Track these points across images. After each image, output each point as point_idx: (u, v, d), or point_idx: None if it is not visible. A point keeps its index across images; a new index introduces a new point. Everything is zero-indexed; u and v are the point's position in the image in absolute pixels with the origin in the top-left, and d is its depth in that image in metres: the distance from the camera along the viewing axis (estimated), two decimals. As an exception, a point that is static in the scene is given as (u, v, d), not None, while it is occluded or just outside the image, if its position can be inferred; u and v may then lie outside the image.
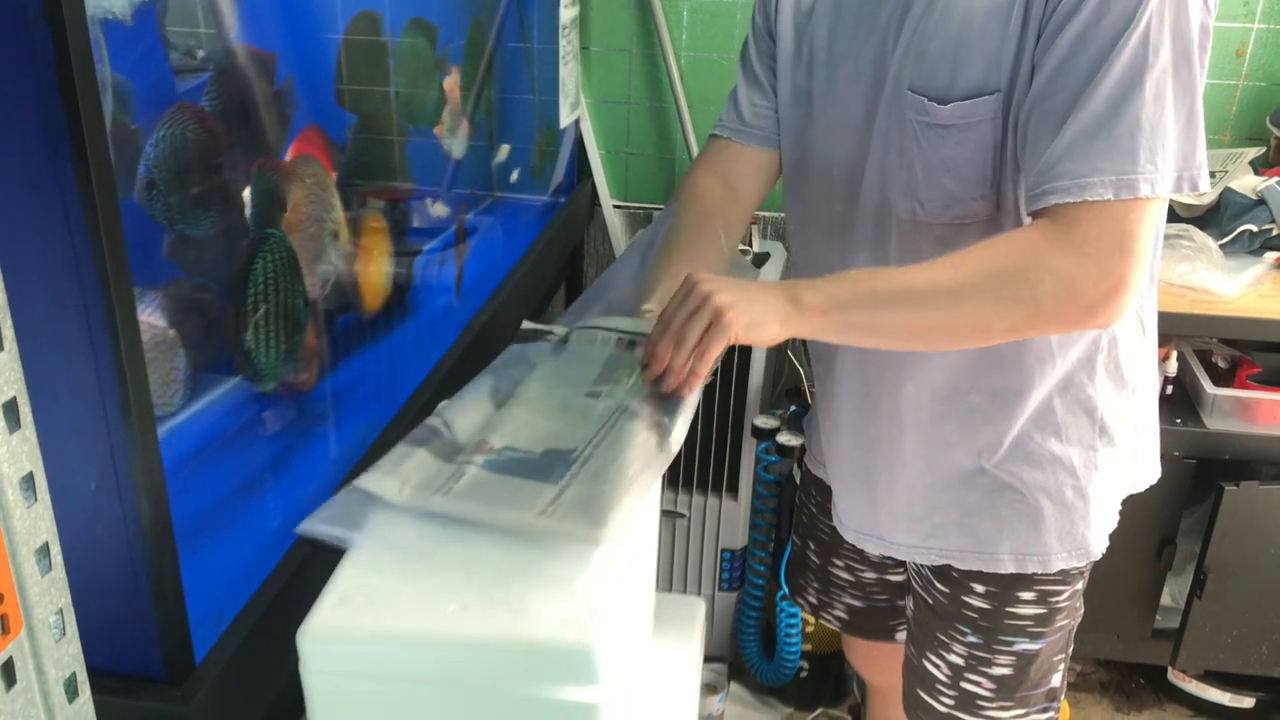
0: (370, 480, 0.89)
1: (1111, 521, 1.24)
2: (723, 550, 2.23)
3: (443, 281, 1.81)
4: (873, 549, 1.33)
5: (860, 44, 1.12)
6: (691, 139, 2.39)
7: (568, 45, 2.26)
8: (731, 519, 2.19)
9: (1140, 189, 0.92)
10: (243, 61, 1.09)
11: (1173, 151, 0.93)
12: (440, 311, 1.78)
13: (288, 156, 1.25)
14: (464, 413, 1.00)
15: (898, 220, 1.11)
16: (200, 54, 1.06)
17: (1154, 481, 1.28)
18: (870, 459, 1.28)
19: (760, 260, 2.24)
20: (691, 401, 1.00)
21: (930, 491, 1.24)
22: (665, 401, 0.99)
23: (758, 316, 0.96)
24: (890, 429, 1.24)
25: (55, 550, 0.64)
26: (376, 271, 1.63)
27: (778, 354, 2.43)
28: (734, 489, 2.17)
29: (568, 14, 2.23)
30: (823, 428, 1.36)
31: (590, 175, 2.50)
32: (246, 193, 1.13)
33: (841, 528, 1.36)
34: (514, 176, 2.20)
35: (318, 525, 0.85)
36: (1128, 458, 1.23)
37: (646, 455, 0.92)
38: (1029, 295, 0.94)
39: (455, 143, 1.83)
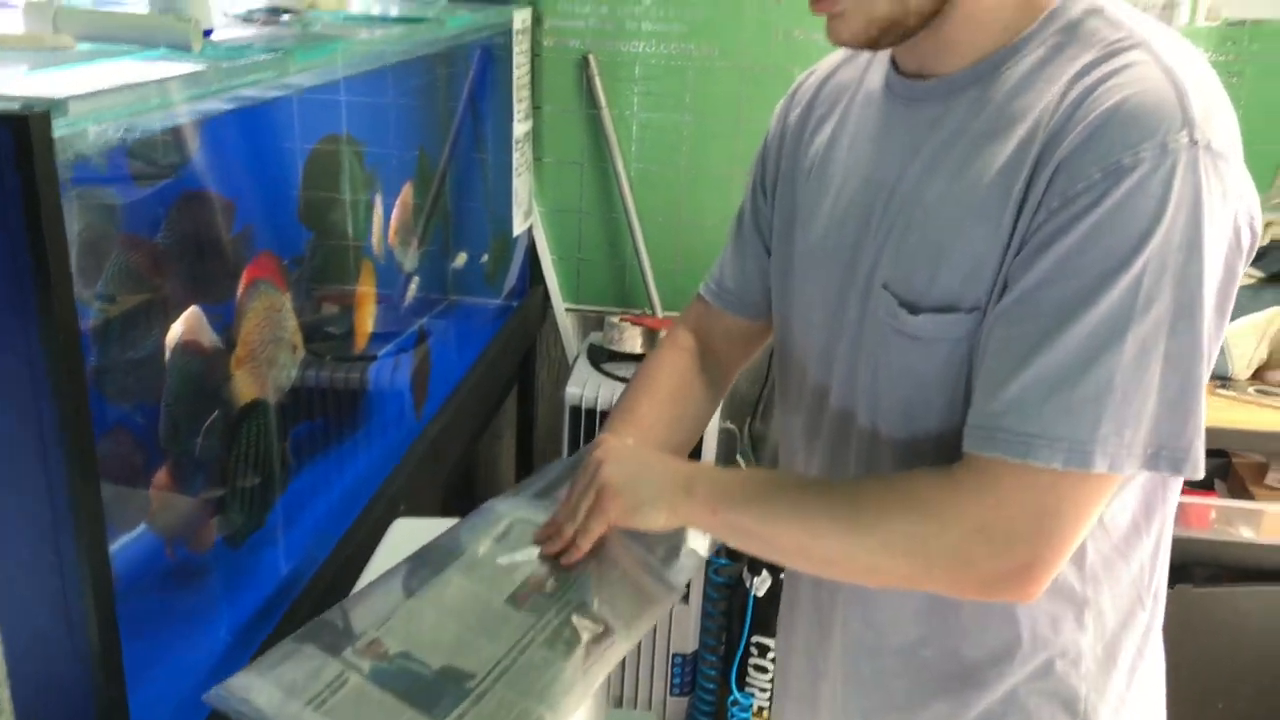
0: (240, 683, 0.80)
1: None
2: (674, 655, 2.23)
3: (396, 389, 1.84)
4: None
5: (844, 216, 0.97)
6: (641, 246, 2.45)
7: (521, 157, 2.33)
8: (682, 623, 2.20)
9: (1095, 463, 0.77)
10: (200, 207, 1.12)
11: (1149, 425, 0.77)
12: (394, 419, 1.80)
13: (241, 284, 1.28)
14: (368, 599, 0.92)
15: (859, 429, 0.96)
16: (159, 199, 1.10)
17: None
18: (815, 698, 1.12)
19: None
20: (648, 614, 0.94)
21: None
22: (590, 617, 0.90)
23: (643, 500, 0.91)
24: (839, 669, 1.06)
25: (4, 695, 0.65)
26: (333, 381, 1.66)
27: (727, 458, 2.47)
28: (684, 596, 2.18)
29: (521, 128, 2.30)
30: (780, 634, 1.21)
31: (543, 280, 2.55)
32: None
33: None
34: (469, 283, 2.24)
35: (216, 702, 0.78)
36: None
37: (551, 696, 0.82)
38: (921, 553, 0.82)
39: (407, 253, 1.87)
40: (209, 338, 1.17)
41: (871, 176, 0.95)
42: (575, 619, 0.90)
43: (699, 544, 1.02)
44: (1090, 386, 0.76)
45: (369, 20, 1.69)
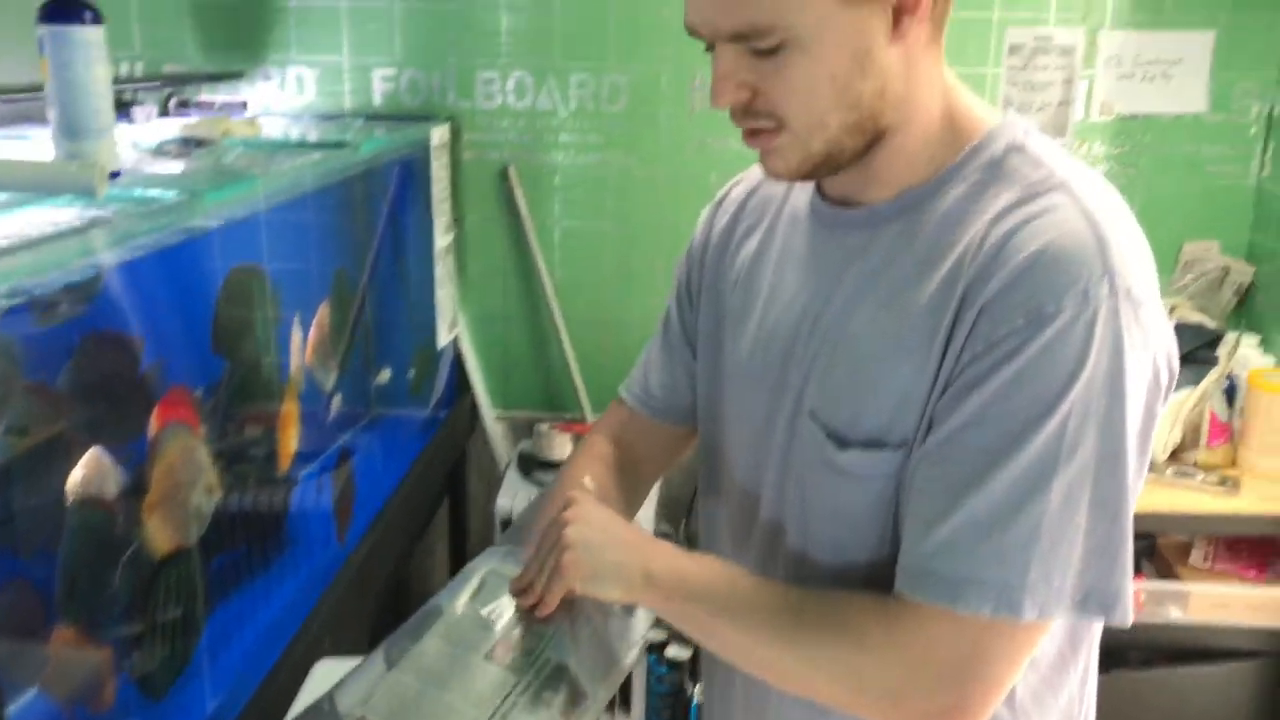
0: None
1: None
2: (618, 767, 2.18)
3: (319, 513, 1.80)
4: None
5: (770, 338, 0.96)
6: (569, 350, 2.46)
7: (444, 269, 2.33)
8: (625, 734, 2.16)
9: (1024, 610, 0.77)
10: (106, 347, 1.11)
11: (1077, 570, 0.77)
12: (318, 545, 1.76)
13: (153, 426, 1.25)
14: (354, 679, 0.91)
15: (788, 549, 0.95)
16: (63, 341, 1.08)
17: None
18: None
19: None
20: (615, 672, 0.93)
21: None
22: (567, 681, 0.90)
23: (602, 573, 0.89)
24: None
25: None
26: (253, 510, 1.62)
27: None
28: (626, 703, 2.14)
29: (443, 240, 2.31)
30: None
31: (470, 388, 2.54)
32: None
33: None
34: (394, 397, 2.22)
35: None
36: None
37: None
38: (854, 682, 0.82)
39: (327, 373, 1.85)
40: (114, 482, 1.14)
41: (796, 299, 0.95)
42: (553, 682, 0.90)
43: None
44: (1018, 532, 0.76)
45: (284, 146, 1.70)
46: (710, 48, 0.85)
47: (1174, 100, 2.29)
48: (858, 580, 0.89)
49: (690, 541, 2.50)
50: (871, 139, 0.85)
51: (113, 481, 1.14)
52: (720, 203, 1.11)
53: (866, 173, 0.88)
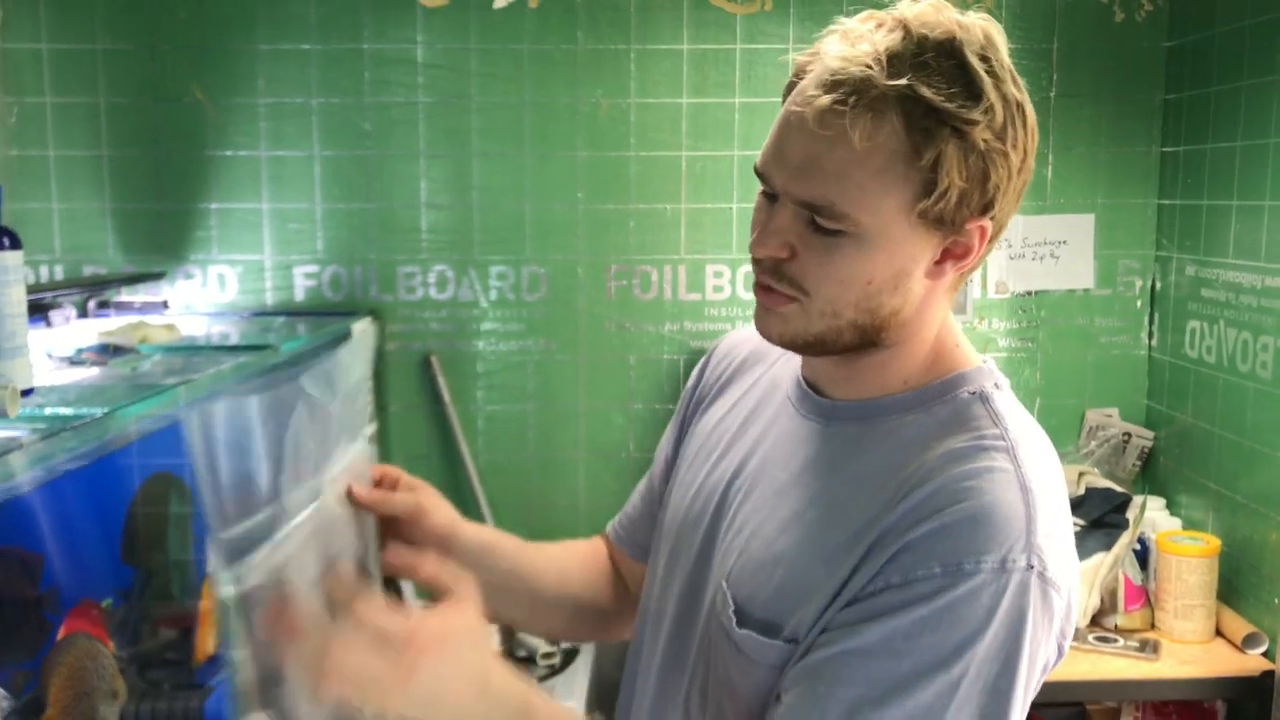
0: None
1: None
2: None
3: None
4: None
5: (714, 487, 0.99)
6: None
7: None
8: None
9: None
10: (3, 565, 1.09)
11: None
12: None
13: (59, 637, 1.22)
14: None
15: (675, 717, 0.97)
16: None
17: None
18: None
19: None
20: None
21: None
22: None
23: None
24: None
25: None
26: (169, 714, 1.55)
27: None
28: None
29: (367, 429, 2.31)
30: None
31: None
32: None
33: None
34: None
35: None
36: None
37: None
38: None
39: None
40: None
41: (746, 462, 0.97)
42: None
43: None
44: None
45: (204, 350, 1.71)
46: (771, 196, 0.87)
47: (1063, 278, 2.43)
48: None
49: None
50: (865, 344, 0.88)
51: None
52: (727, 349, 1.13)
53: (845, 369, 0.92)
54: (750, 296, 2.42)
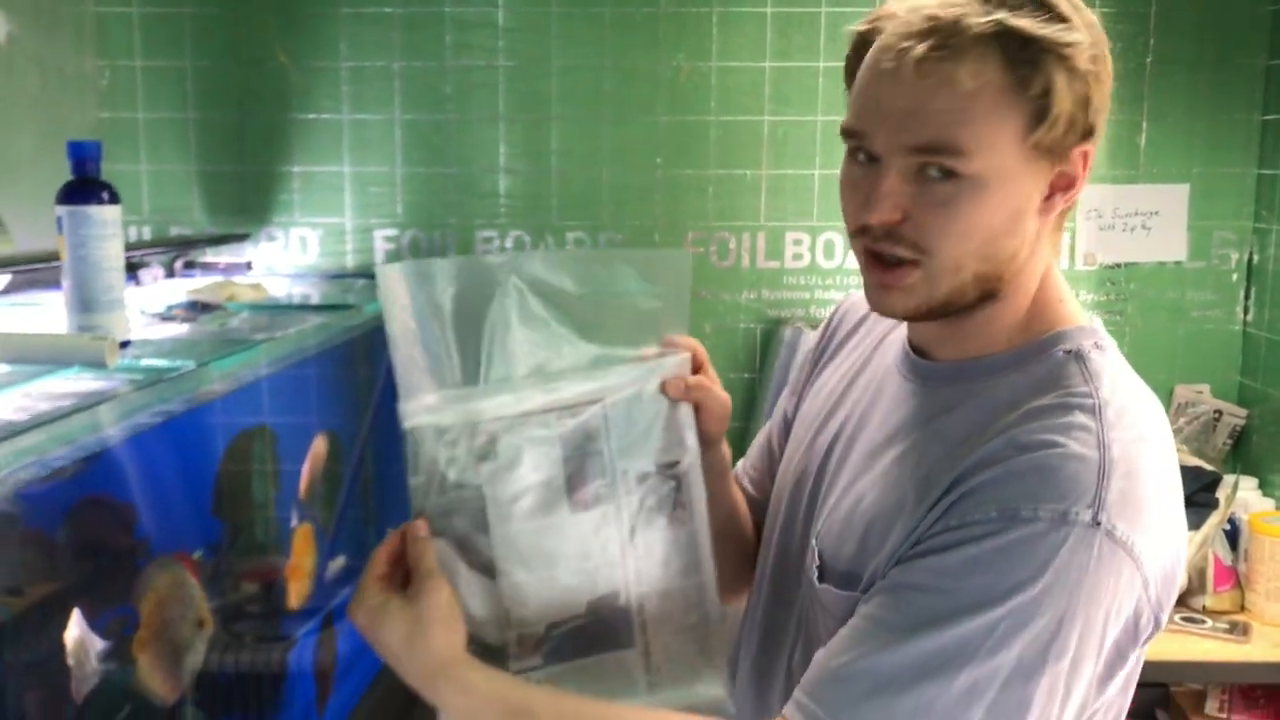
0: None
1: None
2: None
3: (315, 668, 1.77)
4: None
5: (815, 447, 1.00)
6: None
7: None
8: None
9: None
10: (101, 514, 1.11)
11: None
12: (309, 707, 1.72)
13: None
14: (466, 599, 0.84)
15: (780, 674, 0.97)
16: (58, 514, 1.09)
17: None
18: None
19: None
20: (693, 471, 0.90)
21: None
22: (659, 475, 0.89)
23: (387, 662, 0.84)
24: None
25: None
26: (250, 670, 1.59)
27: None
28: None
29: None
30: None
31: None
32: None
33: None
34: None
35: None
36: None
37: (690, 563, 0.87)
38: None
39: (325, 530, 1.84)
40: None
41: (847, 424, 0.97)
42: (642, 488, 0.88)
43: None
44: (910, 701, 0.76)
45: (288, 308, 1.73)
46: (869, 159, 0.84)
47: (1155, 249, 2.35)
48: None
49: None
50: (983, 297, 0.86)
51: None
52: (840, 309, 1.12)
53: (949, 329, 0.89)
54: (829, 264, 2.41)
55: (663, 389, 0.90)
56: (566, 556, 0.85)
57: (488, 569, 0.84)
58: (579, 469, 0.87)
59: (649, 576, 0.86)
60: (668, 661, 0.85)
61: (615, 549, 0.86)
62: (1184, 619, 1.98)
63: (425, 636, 0.81)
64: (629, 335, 0.90)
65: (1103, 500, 0.76)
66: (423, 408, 0.84)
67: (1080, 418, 0.80)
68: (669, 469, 0.89)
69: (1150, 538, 0.79)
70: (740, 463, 1.19)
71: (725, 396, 0.95)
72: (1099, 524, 0.76)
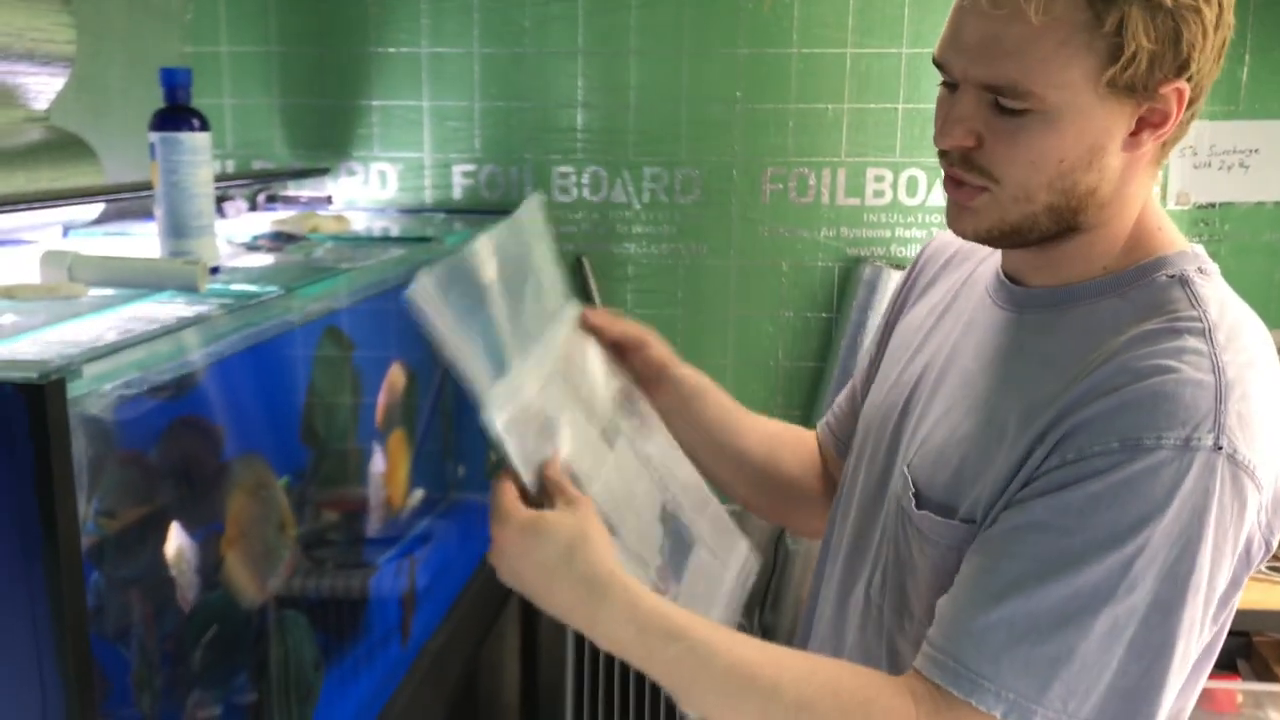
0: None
1: None
2: None
3: (395, 601, 1.81)
4: None
5: (904, 379, 1.00)
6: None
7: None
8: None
9: None
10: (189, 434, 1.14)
11: (1095, 704, 0.76)
12: (393, 634, 1.77)
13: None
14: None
15: (858, 600, 0.98)
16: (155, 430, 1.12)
17: None
18: None
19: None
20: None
21: None
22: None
23: (531, 589, 0.84)
24: None
25: None
26: (331, 596, 1.63)
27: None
28: None
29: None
30: None
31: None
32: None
33: None
34: (471, 483, 2.24)
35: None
36: None
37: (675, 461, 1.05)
38: None
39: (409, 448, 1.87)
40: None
41: (939, 354, 0.97)
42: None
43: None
44: (1051, 650, 0.76)
45: (370, 241, 1.75)
46: (950, 86, 0.85)
47: (1253, 189, 2.27)
48: (910, 637, 0.91)
49: (766, 633, 2.46)
50: (1062, 229, 0.85)
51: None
52: (928, 249, 1.13)
53: (1043, 257, 0.89)
54: (912, 201, 2.36)
55: (580, 325, 1.04)
56: (633, 492, 0.94)
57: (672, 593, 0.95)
58: (589, 416, 0.97)
59: (668, 482, 1.00)
60: (717, 544, 1.01)
61: (641, 470, 0.97)
62: (1270, 567, 1.94)
63: (589, 543, 0.83)
64: (536, 295, 1.02)
65: (1222, 424, 0.76)
66: (495, 405, 0.86)
67: (1191, 341, 0.79)
68: (618, 394, 1.03)
69: (1266, 460, 0.78)
70: (823, 424, 1.22)
71: (634, 324, 1.07)
72: (1221, 448, 0.75)
